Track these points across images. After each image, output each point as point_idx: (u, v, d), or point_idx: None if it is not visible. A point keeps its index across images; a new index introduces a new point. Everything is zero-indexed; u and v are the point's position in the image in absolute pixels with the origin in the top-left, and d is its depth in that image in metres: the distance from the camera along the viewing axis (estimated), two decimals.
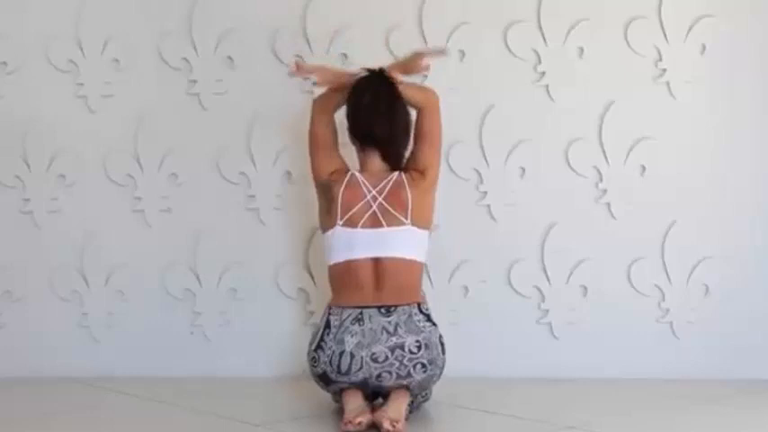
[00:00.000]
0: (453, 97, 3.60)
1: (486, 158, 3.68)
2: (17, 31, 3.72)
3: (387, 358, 3.00)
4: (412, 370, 3.01)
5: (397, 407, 2.94)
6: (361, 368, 3.01)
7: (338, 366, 3.01)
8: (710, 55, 3.67)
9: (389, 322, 3.04)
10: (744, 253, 3.67)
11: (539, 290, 3.69)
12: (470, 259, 3.69)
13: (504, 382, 3.47)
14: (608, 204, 3.68)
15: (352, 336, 3.03)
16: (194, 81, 3.69)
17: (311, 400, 3.28)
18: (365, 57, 3.62)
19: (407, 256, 3.13)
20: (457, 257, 3.68)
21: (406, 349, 3.02)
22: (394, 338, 3.02)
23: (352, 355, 3.01)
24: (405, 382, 3.01)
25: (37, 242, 3.72)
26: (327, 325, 3.08)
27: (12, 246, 3.72)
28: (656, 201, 3.67)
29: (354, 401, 2.99)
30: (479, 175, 3.69)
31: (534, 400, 3.30)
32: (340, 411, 3.02)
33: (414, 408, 3.10)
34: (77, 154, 3.71)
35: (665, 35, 3.66)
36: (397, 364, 3.00)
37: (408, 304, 3.09)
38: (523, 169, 3.69)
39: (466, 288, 3.69)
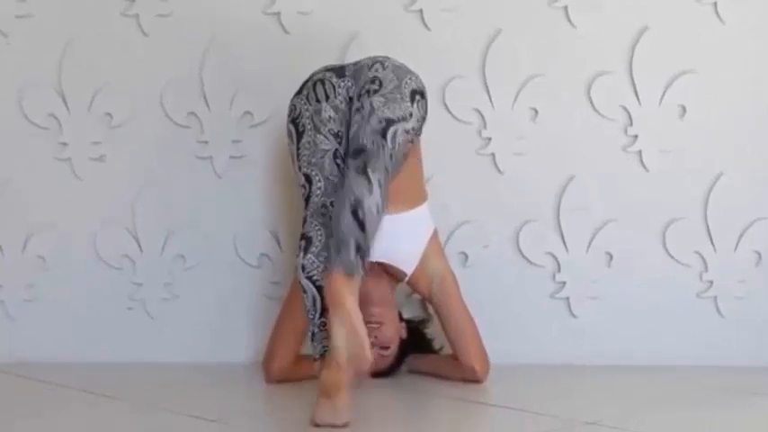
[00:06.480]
0: (451, 22, 3.39)
1: (490, 97, 3.43)
2: None
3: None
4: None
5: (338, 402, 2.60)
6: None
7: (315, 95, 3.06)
8: None
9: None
10: None
11: (554, 257, 3.46)
12: (470, 220, 3.45)
13: (512, 370, 3.29)
14: (639, 153, 3.43)
15: None
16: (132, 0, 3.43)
17: (274, 390, 3.13)
18: None
19: None
20: (454, 218, 3.45)
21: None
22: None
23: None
24: (380, 59, 3.03)
25: None
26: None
27: None
28: (698, 149, 3.44)
29: (326, 399, 2.59)
30: (482, 117, 3.44)
31: (547, 390, 3.15)
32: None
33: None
34: None
35: None
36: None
37: None
38: (536, 110, 3.44)
39: (465, 255, 3.45)
